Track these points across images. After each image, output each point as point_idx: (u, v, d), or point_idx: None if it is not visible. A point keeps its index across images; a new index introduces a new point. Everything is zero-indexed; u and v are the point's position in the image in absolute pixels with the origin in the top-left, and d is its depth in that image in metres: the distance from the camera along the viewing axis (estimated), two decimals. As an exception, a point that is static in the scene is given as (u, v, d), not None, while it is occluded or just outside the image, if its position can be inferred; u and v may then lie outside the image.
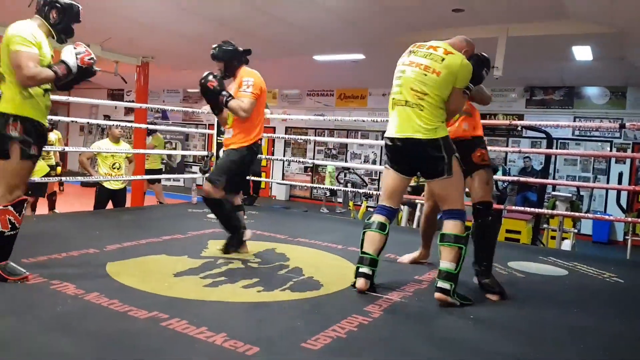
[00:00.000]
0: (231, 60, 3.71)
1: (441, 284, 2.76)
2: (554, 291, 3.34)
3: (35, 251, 3.31)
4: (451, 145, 2.90)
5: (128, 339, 2.11)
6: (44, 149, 2.91)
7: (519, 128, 11.23)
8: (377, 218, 2.97)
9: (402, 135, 2.87)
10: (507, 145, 11.56)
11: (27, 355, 1.91)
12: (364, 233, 2.99)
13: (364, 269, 2.90)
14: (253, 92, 3.57)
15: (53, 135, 7.47)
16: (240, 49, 3.78)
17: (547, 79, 10.82)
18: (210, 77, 3.58)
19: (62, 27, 2.87)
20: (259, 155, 6.57)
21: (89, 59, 2.87)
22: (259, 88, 3.63)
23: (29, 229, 4.15)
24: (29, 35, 2.70)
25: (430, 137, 2.81)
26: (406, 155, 2.93)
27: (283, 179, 14.60)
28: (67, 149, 6.72)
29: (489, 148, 8.70)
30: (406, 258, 3.78)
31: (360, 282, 2.89)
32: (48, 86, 2.83)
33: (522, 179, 6.62)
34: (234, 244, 3.71)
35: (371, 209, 9.51)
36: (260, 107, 3.69)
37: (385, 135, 3.01)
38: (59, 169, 7.82)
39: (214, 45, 3.76)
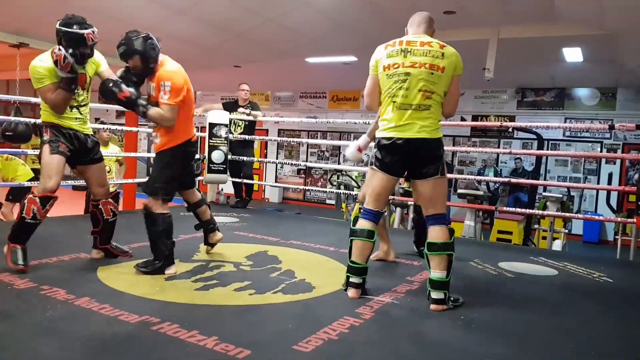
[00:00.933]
0: (147, 59, 3.20)
1: (435, 294, 2.77)
2: (544, 291, 3.35)
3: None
4: (443, 147, 2.94)
5: (118, 344, 2.10)
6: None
7: (510, 129, 11.28)
8: (365, 225, 2.92)
9: (405, 136, 2.83)
10: (498, 147, 11.62)
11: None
12: (351, 240, 2.94)
13: (355, 279, 2.90)
14: (174, 100, 3.16)
15: None
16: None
17: (538, 80, 10.90)
18: (124, 87, 3.16)
19: (71, 54, 3.06)
20: (248, 158, 6.59)
21: (62, 61, 3.06)
22: (181, 91, 3.19)
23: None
24: (41, 69, 3.12)
25: (435, 137, 2.86)
26: (405, 154, 2.87)
27: (276, 181, 14.58)
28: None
29: (481, 149, 8.67)
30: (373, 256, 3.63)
31: (352, 292, 2.90)
32: (73, 102, 3.25)
33: (513, 179, 6.65)
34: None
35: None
36: (187, 107, 3.32)
37: (381, 135, 2.92)
38: None
39: (122, 41, 3.20)
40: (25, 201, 3.09)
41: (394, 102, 2.86)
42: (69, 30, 3.04)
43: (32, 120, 5.53)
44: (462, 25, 7.34)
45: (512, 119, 11.47)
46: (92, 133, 3.46)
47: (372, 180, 2.99)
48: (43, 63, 3.12)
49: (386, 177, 2.93)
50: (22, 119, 5.66)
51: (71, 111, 3.27)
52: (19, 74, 7.82)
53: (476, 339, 2.42)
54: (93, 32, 3.12)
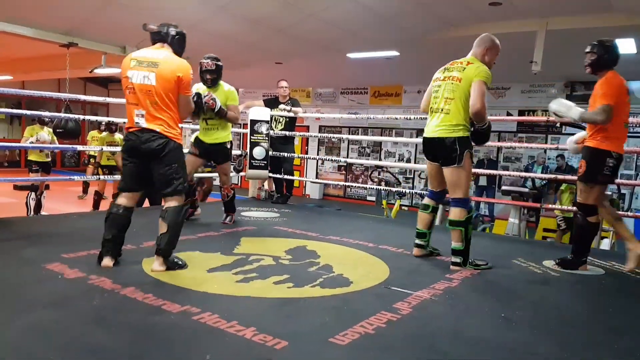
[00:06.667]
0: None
1: (454, 259, 3.59)
2: (589, 291, 3.26)
3: (76, 247, 3.46)
4: (465, 143, 3.53)
5: (160, 332, 2.17)
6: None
7: (558, 125, 10.94)
8: (425, 201, 3.88)
9: (430, 135, 3.65)
10: (545, 143, 11.30)
11: (65, 346, 1.99)
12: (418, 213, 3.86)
13: (417, 241, 3.86)
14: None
15: (118, 135, 7.87)
16: None
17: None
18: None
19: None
20: (289, 154, 6.65)
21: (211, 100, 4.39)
22: None
23: (71, 226, 4.29)
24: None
25: (448, 136, 3.53)
26: (429, 148, 3.71)
27: (317, 177, 14.63)
28: (105, 148, 6.92)
29: (527, 145, 8.49)
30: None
31: (415, 251, 3.87)
32: (203, 116, 4.55)
33: (559, 176, 6.45)
34: None
35: (405, 208, 9.42)
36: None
37: (423, 135, 3.77)
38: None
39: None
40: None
41: (431, 107, 3.70)
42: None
43: (82, 117, 5.73)
44: (508, 17, 7.16)
45: (560, 114, 11.10)
46: (222, 141, 4.65)
47: (427, 168, 3.89)
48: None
49: (429, 164, 3.81)
50: (71, 116, 5.88)
51: (201, 121, 4.64)
52: (69, 72, 8.09)
53: (517, 338, 2.37)
54: (207, 62, 4.47)
